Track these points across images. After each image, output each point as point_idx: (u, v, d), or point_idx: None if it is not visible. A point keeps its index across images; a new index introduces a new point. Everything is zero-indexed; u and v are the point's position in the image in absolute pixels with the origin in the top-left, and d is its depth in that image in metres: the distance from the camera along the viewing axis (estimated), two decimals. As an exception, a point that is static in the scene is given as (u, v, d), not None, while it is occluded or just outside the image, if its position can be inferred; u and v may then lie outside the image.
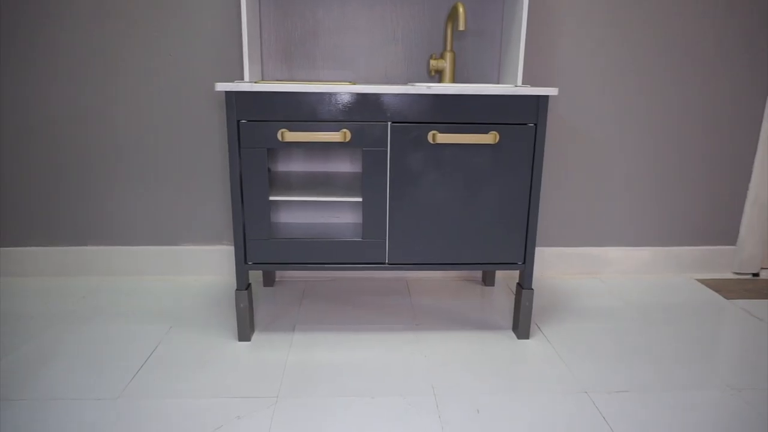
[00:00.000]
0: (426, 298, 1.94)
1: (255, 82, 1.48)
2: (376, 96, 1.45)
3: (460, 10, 1.64)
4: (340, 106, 1.45)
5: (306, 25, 1.86)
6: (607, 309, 1.88)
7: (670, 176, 2.09)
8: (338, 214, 1.86)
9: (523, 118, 1.48)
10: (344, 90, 1.43)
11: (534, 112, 1.48)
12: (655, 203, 2.11)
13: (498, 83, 1.92)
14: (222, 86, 1.42)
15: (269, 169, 1.85)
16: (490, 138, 1.46)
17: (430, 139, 1.48)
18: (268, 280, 2.02)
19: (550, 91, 1.45)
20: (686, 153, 2.07)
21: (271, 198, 1.54)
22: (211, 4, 1.84)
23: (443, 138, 1.46)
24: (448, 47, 1.80)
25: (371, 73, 1.90)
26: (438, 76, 1.93)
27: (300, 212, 1.84)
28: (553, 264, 2.14)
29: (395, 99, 1.46)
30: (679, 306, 1.92)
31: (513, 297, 1.96)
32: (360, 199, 1.54)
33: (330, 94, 1.45)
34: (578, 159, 2.04)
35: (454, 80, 1.81)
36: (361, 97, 1.45)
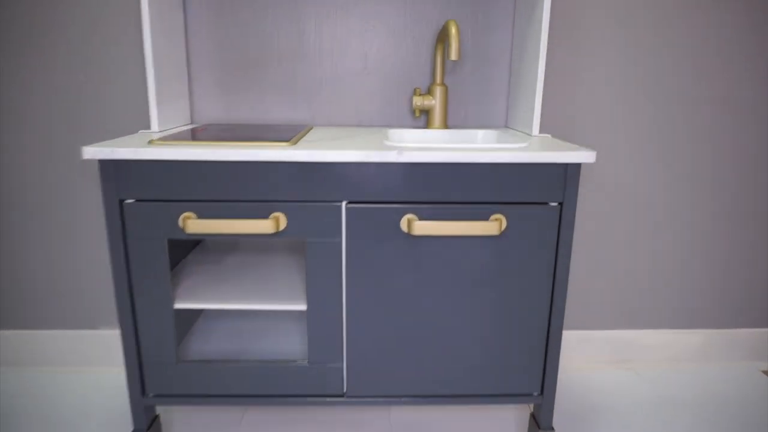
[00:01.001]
0: (410, 417, 1.46)
1: (150, 142, 1.01)
2: (322, 165, 0.98)
3: (453, 30, 1.15)
4: (269, 179, 0.98)
5: (251, 48, 1.38)
6: (647, 417, 1.40)
7: (725, 241, 1.60)
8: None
9: (542, 195, 1.01)
10: (273, 158, 0.95)
11: (560, 186, 1.00)
12: (706, 275, 1.63)
13: (506, 126, 1.44)
14: (91, 152, 0.95)
15: (195, 243, 1.38)
16: (492, 227, 0.98)
17: (404, 226, 1.01)
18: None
19: (585, 156, 0.97)
20: (746, 212, 1.58)
21: (178, 306, 1.07)
22: (114, 21, 1.36)
23: (423, 227, 0.98)
24: (438, 79, 1.32)
25: (336, 112, 1.43)
26: (424, 117, 1.44)
27: (222, 320, 1.33)
28: (576, 352, 1.66)
29: (350, 169, 0.98)
30: (742, 410, 1.44)
31: (527, 412, 1.48)
32: (304, 308, 1.07)
33: (253, 164, 0.98)
34: (607, 220, 1.56)
35: (445, 123, 1.34)
36: (300, 167, 0.98)
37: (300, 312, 1.28)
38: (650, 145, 1.50)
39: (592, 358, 1.67)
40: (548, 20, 1.16)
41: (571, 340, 1.65)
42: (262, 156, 0.95)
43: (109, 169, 0.97)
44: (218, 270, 1.18)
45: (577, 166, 0.99)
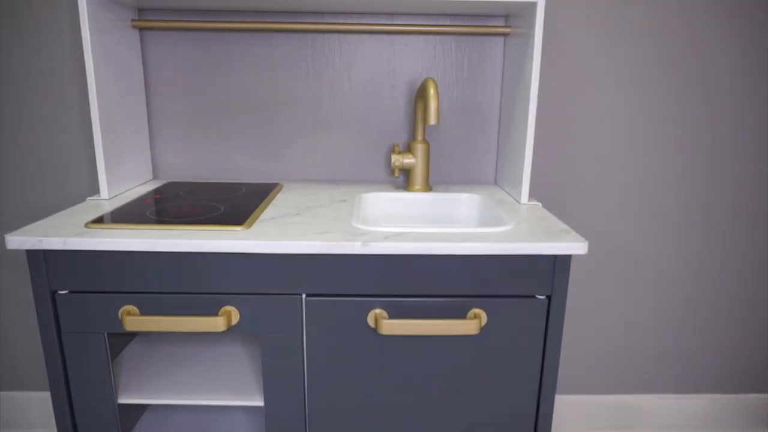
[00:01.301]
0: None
1: (87, 224, 0.90)
2: (277, 255, 0.87)
3: (431, 90, 1.04)
4: (218, 269, 0.87)
5: (219, 100, 1.27)
6: None
7: (733, 300, 1.48)
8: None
9: (528, 288, 0.89)
10: (221, 248, 0.84)
11: (548, 278, 0.88)
12: (713, 336, 1.51)
13: (495, 183, 1.32)
14: (16, 242, 0.84)
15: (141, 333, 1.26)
16: (471, 326, 0.87)
17: (371, 322, 0.89)
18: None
19: (576, 247, 0.85)
20: (757, 271, 1.46)
21: (122, 401, 0.97)
22: (64, 78, 1.24)
23: (392, 327, 0.87)
24: (419, 136, 1.20)
25: (310, 166, 1.32)
26: (403, 176, 1.33)
27: (171, 413, 1.17)
28: (572, 418, 1.55)
29: (309, 259, 0.87)
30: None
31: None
32: (261, 404, 0.96)
33: (200, 254, 0.86)
34: (605, 275, 1.44)
35: (427, 184, 1.22)
36: (252, 256, 0.87)
37: (257, 407, 1.15)
38: (651, 201, 1.38)
39: (589, 425, 1.55)
40: (537, 79, 1.04)
41: (567, 404, 1.53)
42: (208, 247, 0.84)
43: (38, 258, 0.86)
44: (165, 359, 1.07)
45: (567, 259, 0.87)
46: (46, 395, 1.46)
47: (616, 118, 1.32)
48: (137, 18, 1.21)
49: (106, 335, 0.90)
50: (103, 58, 1.06)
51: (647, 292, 1.45)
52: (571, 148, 1.33)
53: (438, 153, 1.32)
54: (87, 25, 1.00)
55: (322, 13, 1.23)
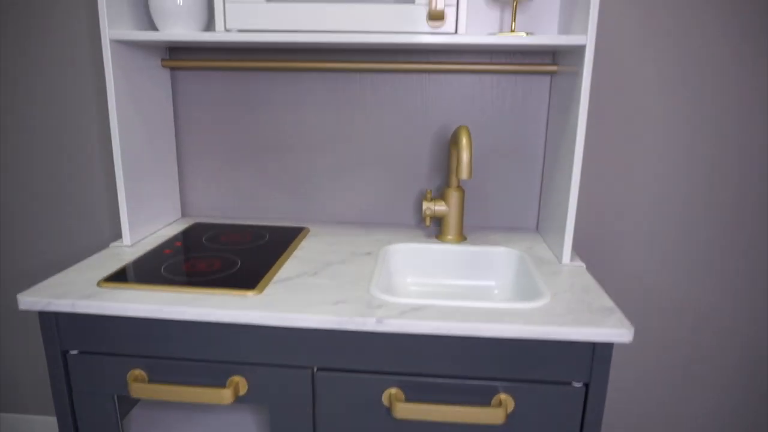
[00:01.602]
0: None
1: (99, 283, 0.88)
2: (288, 330, 0.81)
3: (464, 140, 0.95)
4: (228, 337, 0.83)
5: (247, 139, 1.24)
6: None
7: (819, 363, 1.30)
8: None
9: (562, 373, 0.79)
10: (226, 318, 0.80)
11: (586, 364, 0.78)
12: (791, 402, 1.33)
13: (537, 231, 1.22)
14: (27, 303, 0.83)
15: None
16: (495, 415, 0.78)
17: (385, 402, 0.82)
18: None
19: (618, 335, 0.75)
20: None
21: (132, 461, 0.94)
22: (89, 121, 1.24)
23: (407, 411, 0.79)
24: (453, 183, 1.12)
25: (338, 208, 1.26)
26: (435, 224, 1.24)
27: None
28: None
29: (321, 333, 0.81)
30: None
31: None
32: (273, 476, 0.91)
33: (207, 326, 0.82)
34: (656, 332, 1.30)
35: (460, 234, 1.13)
36: (262, 327, 0.82)
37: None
38: (711, 255, 1.23)
39: (638, 490, 1.41)
40: (585, 122, 0.93)
41: (613, 468, 1.40)
42: (214, 317, 0.79)
43: (49, 318, 0.85)
44: (175, 421, 1.02)
45: (608, 348, 0.77)
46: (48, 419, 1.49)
47: (673, 165, 1.18)
48: (167, 57, 1.19)
49: (115, 397, 0.88)
50: (128, 98, 1.04)
51: (707, 352, 1.30)
52: (622, 196, 1.21)
53: (475, 196, 1.23)
54: (110, 66, 0.99)
55: (353, 52, 1.17)
